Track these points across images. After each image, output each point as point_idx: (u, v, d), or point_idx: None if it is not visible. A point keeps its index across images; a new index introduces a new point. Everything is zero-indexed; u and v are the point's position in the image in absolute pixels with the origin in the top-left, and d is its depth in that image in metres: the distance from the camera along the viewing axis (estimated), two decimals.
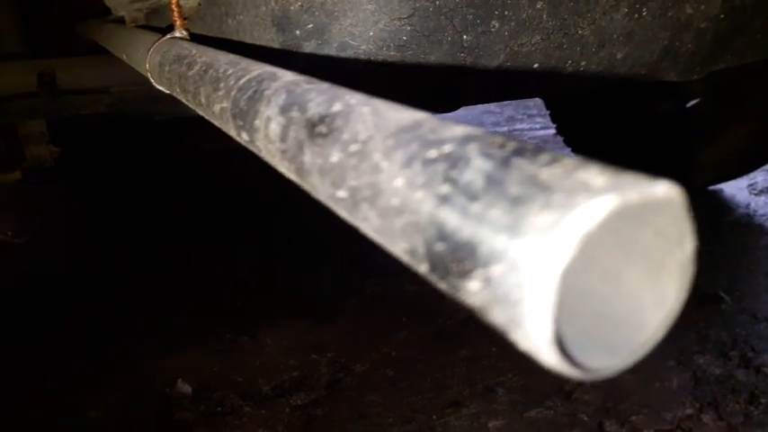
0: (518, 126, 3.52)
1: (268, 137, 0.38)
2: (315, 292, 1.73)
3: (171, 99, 0.80)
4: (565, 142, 2.54)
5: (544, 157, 0.21)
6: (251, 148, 0.43)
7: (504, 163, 0.21)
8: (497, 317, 0.20)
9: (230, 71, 0.47)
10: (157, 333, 1.53)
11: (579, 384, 1.30)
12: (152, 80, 0.76)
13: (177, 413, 1.25)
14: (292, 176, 0.36)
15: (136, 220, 2.34)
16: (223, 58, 0.51)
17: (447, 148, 0.24)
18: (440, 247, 0.22)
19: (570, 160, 0.21)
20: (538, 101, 3.23)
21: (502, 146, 0.23)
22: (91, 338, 1.54)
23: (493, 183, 0.21)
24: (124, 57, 0.90)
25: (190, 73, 0.54)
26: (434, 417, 1.21)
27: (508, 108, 3.78)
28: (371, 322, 1.56)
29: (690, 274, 0.21)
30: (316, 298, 1.69)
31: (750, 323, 1.51)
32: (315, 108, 0.34)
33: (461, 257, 0.21)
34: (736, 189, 2.40)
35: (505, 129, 3.48)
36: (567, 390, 1.29)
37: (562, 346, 0.19)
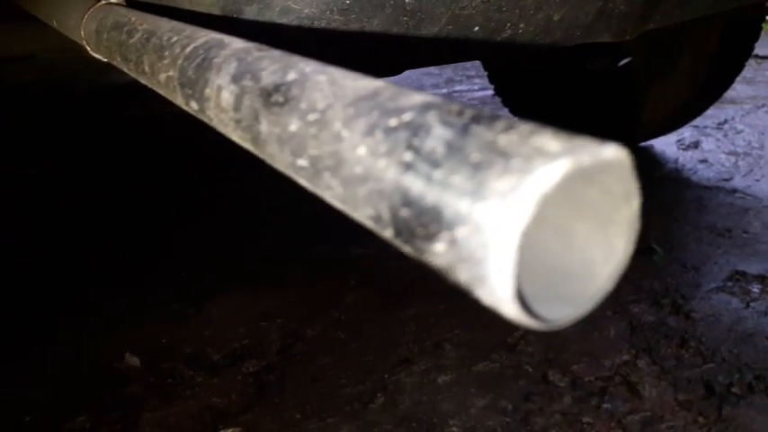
0: (457, 87, 3.55)
1: (220, 106, 0.38)
2: (259, 259, 1.73)
3: (106, 66, 0.77)
4: (503, 103, 2.58)
5: (500, 124, 0.22)
6: (200, 117, 0.43)
7: (464, 130, 0.22)
8: (462, 275, 0.21)
9: (175, 39, 0.46)
10: (101, 311, 1.50)
11: (522, 337, 1.36)
12: (88, 48, 0.73)
13: (127, 387, 1.24)
14: (247, 145, 0.36)
15: (69, 194, 2.26)
16: (165, 26, 0.50)
17: (407, 117, 0.24)
18: (405, 212, 0.23)
19: (525, 126, 0.22)
20: (476, 62, 3.26)
21: (460, 113, 0.24)
22: (33, 319, 1.49)
23: (454, 150, 0.22)
24: (54, 23, 0.86)
25: (131, 41, 0.53)
26: (386, 375, 1.24)
27: (447, 70, 3.80)
28: (319, 287, 1.57)
29: (636, 228, 0.23)
30: (261, 265, 1.69)
31: (680, 272, 1.60)
32: (269, 77, 0.34)
33: (427, 221, 0.22)
34: (665, 145, 2.50)
35: (445, 91, 3.50)
36: (511, 343, 1.34)
37: (522, 300, 0.20)
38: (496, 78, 2.55)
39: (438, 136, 0.23)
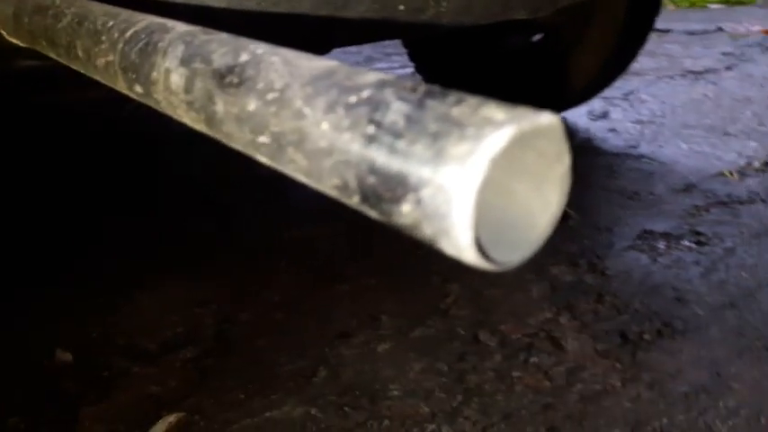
0: (377, 65, 3.57)
1: (169, 89, 0.39)
2: (187, 245, 1.71)
3: (14, 52, 0.75)
4: (424, 81, 2.64)
5: (451, 98, 0.25)
6: (145, 100, 0.44)
7: (420, 104, 0.25)
8: (427, 231, 0.24)
9: (111, 23, 0.46)
10: (28, 309, 1.44)
11: (454, 303, 1.42)
12: (3, 32, 0.71)
13: (61, 383, 1.21)
14: (200, 126, 0.38)
15: None
16: (98, 10, 0.50)
17: (366, 94, 0.27)
18: (371, 179, 0.26)
19: (473, 99, 0.25)
20: (396, 40, 3.29)
21: (414, 89, 0.26)
22: None
23: (413, 122, 0.25)
24: None
25: (60, 25, 0.52)
26: (326, 350, 1.27)
27: (366, 48, 3.81)
28: (250, 270, 1.57)
29: (567, 183, 0.27)
30: (191, 253, 1.67)
31: (594, 234, 1.71)
32: (220, 59, 0.35)
33: (393, 186, 0.25)
34: (577, 116, 2.63)
35: (367, 69, 3.51)
36: (444, 309, 1.40)
37: (480, 247, 0.24)
38: (416, 56, 2.60)
39: (397, 110, 0.25)
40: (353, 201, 0.27)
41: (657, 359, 1.23)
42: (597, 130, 2.52)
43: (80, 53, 0.51)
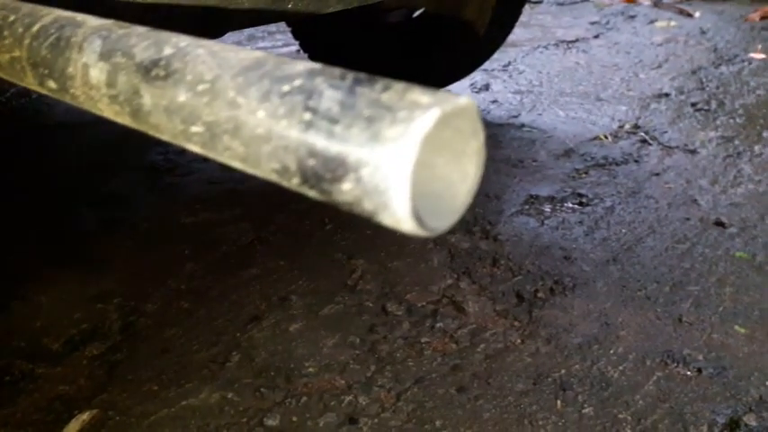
0: (260, 44, 3.52)
1: (88, 83, 0.39)
2: (81, 237, 1.64)
3: None
4: (309, 58, 2.63)
5: (379, 85, 0.28)
6: (58, 95, 0.43)
7: (351, 91, 0.28)
8: (366, 206, 0.27)
9: (12, 17, 0.45)
10: None
11: (360, 278, 1.46)
12: None
13: None
14: (124, 119, 0.39)
15: None
16: None
17: (298, 83, 0.29)
18: (311, 162, 0.28)
19: (399, 85, 0.28)
20: None
21: (343, 77, 0.29)
22: None
23: (347, 108, 0.27)
24: None
25: None
26: (238, 334, 1.28)
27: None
28: (153, 260, 1.54)
29: (482, 156, 0.31)
30: (84, 245, 1.60)
31: (485, 202, 1.80)
32: (143, 53, 0.36)
33: (333, 167, 0.27)
34: (460, 89, 2.73)
35: (248, 47, 3.45)
36: (351, 285, 1.44)
37: (417, 217, 0.27)
38: (300, 34, 2.58)
39: (330, 97, 0.28)
40: (293, 183, 0.30)
41: (552, 315, 1.34)
42: (480, 102, 2.63)
43: None
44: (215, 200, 1.81)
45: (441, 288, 1.43)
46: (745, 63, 2.95)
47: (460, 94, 0.28)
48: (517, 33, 3.31)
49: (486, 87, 2.77)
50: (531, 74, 2.93)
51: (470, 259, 1.53)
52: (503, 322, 1.32)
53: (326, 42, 2.59)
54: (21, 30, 0.44)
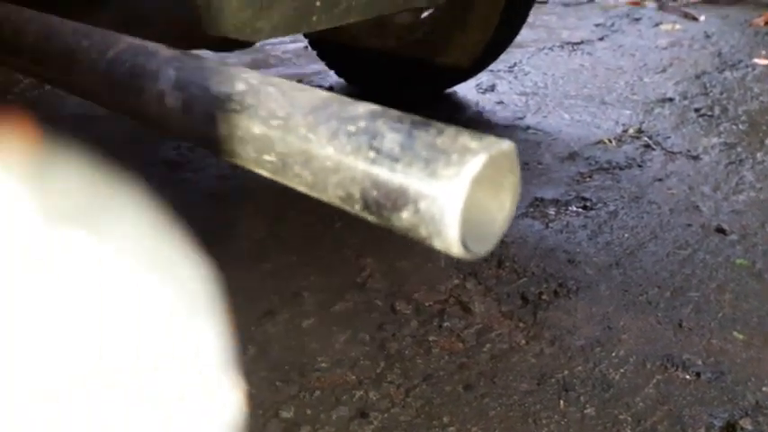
0: (269, 42, 3.55)
1: (164, 108, 0.44)
2: None
3: None
4: (318, 56, 2.68)
5: (433, 129, 0.33)
6: (134, 116, 0.48)
7: (410, 135, 0.33)
8: (422, 232, 0.32)
9: (86, 43, 0.50)
10: None
11: (369, 276, 1.51)
12: None
13: None
14: (194, 142, 0.44)
15: None
16: (65, 26, 0.53)
17: (362, 124, 0.34)
18: (374, 192, 0.33)
19: (450, 130, 0.33)
20: None
21: (401, 120, 0.34)
22: None
23: (407, 149, 0.32)
24: None
25: (28, 41, 0.54)
26: (253, 328, 1.33)
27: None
28: None
29: (518, 190, 0.36)
30: None
31: None
32: (217, 87, 0.41)
33: (394, 198, 0.32)
34: (466, 90, 2.77)
35: (258, 44, 3.49)
36: (360, 282, 1.49)
37: (464, 243, 0.32)
38: (318, 46, 2.63)
39: (392, 139, 0.33)
40: (355, 208, 0.35)
41: (555, 317, 1.39)
42: (486, 103, 2.67)
43: (54, 73, 0.54)
44: (228, 195, 1.86)
45: (448, 288, 1.48)
46: (749, 69, 3.00)
47: (505, 139, 0.33)
48: (523, 34, 3.33)
49: (492, 88, 2.81)
50: (537, 75, 2.97)
51: (477, 261, 1.59)
52: (508, 323, 1.37)
53: (335, 40, 2.62)
54: (95, 56, 0.48)
